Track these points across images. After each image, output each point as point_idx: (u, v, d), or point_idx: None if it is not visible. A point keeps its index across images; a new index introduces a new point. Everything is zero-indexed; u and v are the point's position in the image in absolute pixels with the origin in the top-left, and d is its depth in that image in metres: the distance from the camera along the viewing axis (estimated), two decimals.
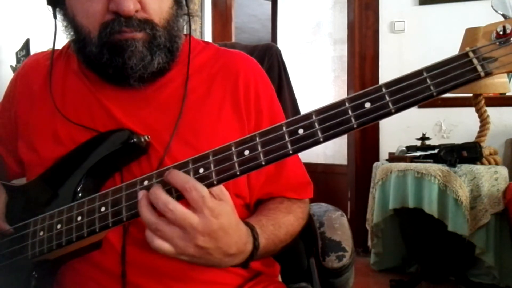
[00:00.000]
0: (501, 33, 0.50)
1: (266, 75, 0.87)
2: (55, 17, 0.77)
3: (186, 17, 0.80)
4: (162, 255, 0.57)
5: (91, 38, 0.71)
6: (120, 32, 0.69)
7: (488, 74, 0.50)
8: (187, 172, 0.58)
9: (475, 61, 0.50)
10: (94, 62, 0.73)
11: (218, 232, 0.58)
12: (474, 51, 0.51)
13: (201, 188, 0.56)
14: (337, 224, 0.94)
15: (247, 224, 0.67)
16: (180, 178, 0.56)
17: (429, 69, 0.51)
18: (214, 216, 0.57)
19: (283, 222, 0.76)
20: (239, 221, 0.63)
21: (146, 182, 0.60)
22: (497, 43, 0.50)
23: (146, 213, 0.57)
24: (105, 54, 0.70)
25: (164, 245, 0.56)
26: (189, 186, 0.56)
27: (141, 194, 0.58)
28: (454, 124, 2.72)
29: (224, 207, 0.58)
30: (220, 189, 0.58)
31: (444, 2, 2.75)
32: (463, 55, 0.51)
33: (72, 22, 0.74)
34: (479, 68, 0.50)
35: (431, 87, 0.51)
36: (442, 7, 2.76)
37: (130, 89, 0.76)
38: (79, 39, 0.73)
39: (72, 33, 0.75)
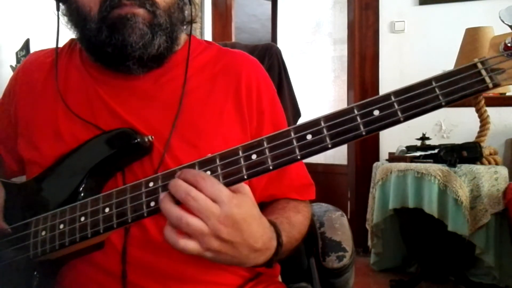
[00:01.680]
0: (509, 45, 0.51)
1: (268, 75, 0.87)
2: (58, 9, 0.77)
3: (188, 18, 0.80)
4: (163, 255, 0.57)
5: (91, 16, 0.71)
6: (120, 6, 0.69)
7: (496, 85, 0.51)
8: None
9: (483, 72, 0.51)
10: (93, 42, 0.73)
11: (242, 224, 0.56)
12: (482, 62, 0.51)
13: (212, 178, 0.55)
14: (337, 224, 0.94)
15: (269, 220, 0.65)
16: (190, 172, 0.55)
17: (437, 79, 0.52)
18: (235, 205, 0.55)
19: (295, 221, 0.75)
20: (262, 215, 0.62)
21: (151, 184, 0.59)
22: (505, 55, 0.51)
23: (172, 208, 0.54)
24: (104, 31, 0.70)
25: (189, 244, 0.54)
26: (200, 176, 0.54)
27: (163, 194, 0.56)
28: (454, 124, 2.72)
29: (244, 198, 0.57)
30: (240, 184, 0.57)
31: (444, 2, 2.75)
32: (471, 66, 0.51)
33: (73, 4, 0.74)
34: (487, 79, 0.50)
35: (440, 97, 0.51)
36: (442, 7, 2.76)
37: (131, 81, 0.76)
38: (80, 20, 0.73)
39: (73, 16, 0.75)
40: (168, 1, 0.74)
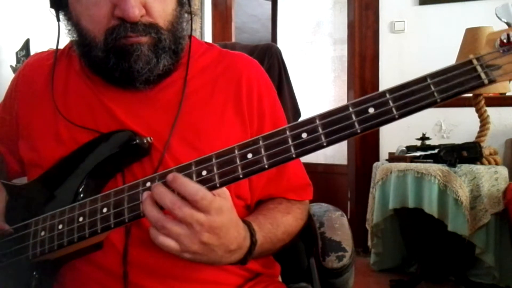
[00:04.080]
0: (505, 41, 0.51)
1: (268, 77, 0.87)
2: (58, 19, 0.77)
3: (187, 16, 0.80)
4: (164, 255, 0.57)
5: (96, 43, 0.71)
6: (126, 37, 0.69)
7: (491, 81, 0.50)
8: (190, 174, 0.58)
9: (479, 68, 0.50)
10: (100, 66, 0.73)
11: (222, 229, 0.59)
12: (478, 59, 0.51)
13: (209, 196, 0.56)
14: (337, 224, 0.94)
15: (244, 221, 0.67)
16: (189, 188, 0.56)
17: (432, 75, 0.51)
18: (218, 213, 0.57)
19: (281, 221, 0.76)
20: (238, 217, 0.64)
21: (148, 184, 0.60)
22: (501, 51, 0.50)
23: (152, 211, 0.57)
24: (111, 59, 0.70)
25: (169, 242, 0.57)
26: (199, 197, 0.56)
27: (146, 194, 0.58)
28: (454, 124, 2.72)
29: (225, 203, 0.59)
30: (222, 189, 0.59)
31: (444, 2, 2.75)
32: (467, 62, 0.51)
33: (76, 26, 0.73)
34: (482, 75, 0.50)
35: (435, 94, 0.51)
36: (442, 7, 2.76)
37: (133, 90, 0.76)
38: (84, 44, 0.73)
39: (76, 36, 0.75)
40: (169, 19, 0.73)
